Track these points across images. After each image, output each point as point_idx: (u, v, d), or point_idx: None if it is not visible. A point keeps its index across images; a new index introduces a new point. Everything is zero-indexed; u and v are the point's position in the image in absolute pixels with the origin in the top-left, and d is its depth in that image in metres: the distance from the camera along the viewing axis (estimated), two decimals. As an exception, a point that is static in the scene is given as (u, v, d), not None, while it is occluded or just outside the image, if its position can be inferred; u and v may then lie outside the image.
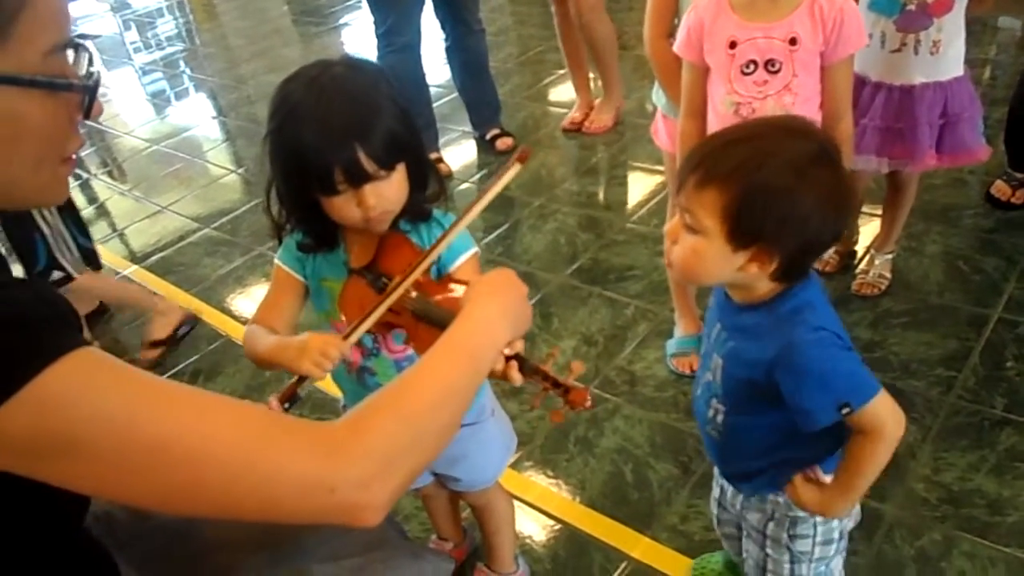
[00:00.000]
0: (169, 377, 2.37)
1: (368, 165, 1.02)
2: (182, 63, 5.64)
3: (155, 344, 2.53)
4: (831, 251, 2.34)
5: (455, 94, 3.52)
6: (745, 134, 0.99)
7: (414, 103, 3.08)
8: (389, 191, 1.06)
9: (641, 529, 1.75)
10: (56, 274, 2.29)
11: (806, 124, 1.01)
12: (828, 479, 1.10)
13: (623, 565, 1.68)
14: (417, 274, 1.00)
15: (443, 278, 1.11)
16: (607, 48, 3.24)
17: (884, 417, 0.98)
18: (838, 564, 1.25)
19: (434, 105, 3.30)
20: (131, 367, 0.63)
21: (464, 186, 3.22)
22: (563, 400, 0.96)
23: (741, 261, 0.96)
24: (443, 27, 3.15)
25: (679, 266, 1.02)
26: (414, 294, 1.03)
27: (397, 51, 2.91)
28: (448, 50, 3.21)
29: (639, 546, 1.71)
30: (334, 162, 1.01)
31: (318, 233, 1.16)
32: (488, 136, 3.37)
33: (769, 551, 1.22)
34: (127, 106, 4.92)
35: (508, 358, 0.93)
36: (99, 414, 0.58)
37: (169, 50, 5.95)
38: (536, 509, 1.83)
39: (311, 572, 0.94)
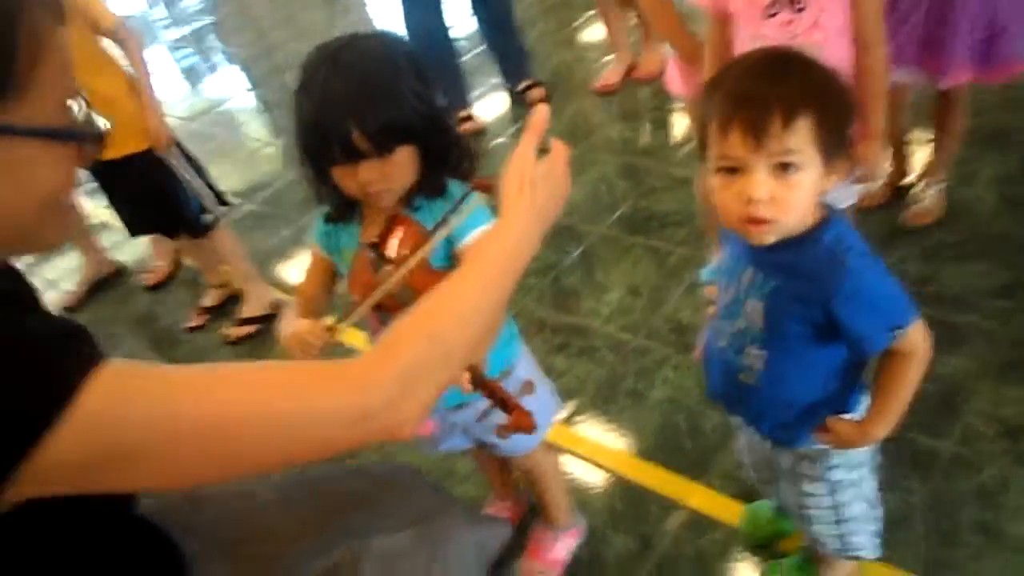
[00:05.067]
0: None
1: (361, 144, 1.05)
2: (211, 36, 5.66)
3: (246, 321, 2.55)
4: (880, 183, 2.26)
5: (483, 47, 3.48)
6: (768, 59, 1.00)
7: (439, 62, 3.07)
8: (389, 170, 1.09)
9: (696, 477, 1.78)
10: (207, 217, 2.39)
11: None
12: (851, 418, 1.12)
13: (679, 514, 1.71)
14: (405, 269, 0.98)
15: (441, 270, 1.11)
16: None
17: (919, 338, 1.02)
18: (872, 482, 1.27)
19: (464, 59, 3.27)
20: (152, 365, 0.66)
21: (498, 140, 3.20)
22: (507, 418, 0.98)
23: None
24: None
25: (792, 213, 0.97)
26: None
27: (423, 11, 2.88)
28: (473, 4, 3.16)
29: (695, 494, 1.74)
30: (330, 136, 1.06)
31: (336, 203, 1.20)
32: (520, 88, 3.33)
33: (807, 487, 1.24)
34: (161, 85, 4.97)
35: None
36: (142, 419, 0.61)
37: (196, 24, 5.96)
38: (590, 462, 1.87)
39: (370, 547, 0.98)
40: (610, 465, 1.86)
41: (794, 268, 1.02)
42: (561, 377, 2.09)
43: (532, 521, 1.72)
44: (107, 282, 2.99)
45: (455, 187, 1.18)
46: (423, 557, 1.03)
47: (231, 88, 4.67)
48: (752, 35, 1.45)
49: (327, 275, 1.29)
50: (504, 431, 0.97)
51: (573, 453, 1.89)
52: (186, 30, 5.91)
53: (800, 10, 1.40)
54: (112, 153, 2.19)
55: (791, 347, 1.07)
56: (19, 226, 0.66)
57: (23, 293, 0.79)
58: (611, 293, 2.33)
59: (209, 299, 2.66)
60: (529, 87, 3.31)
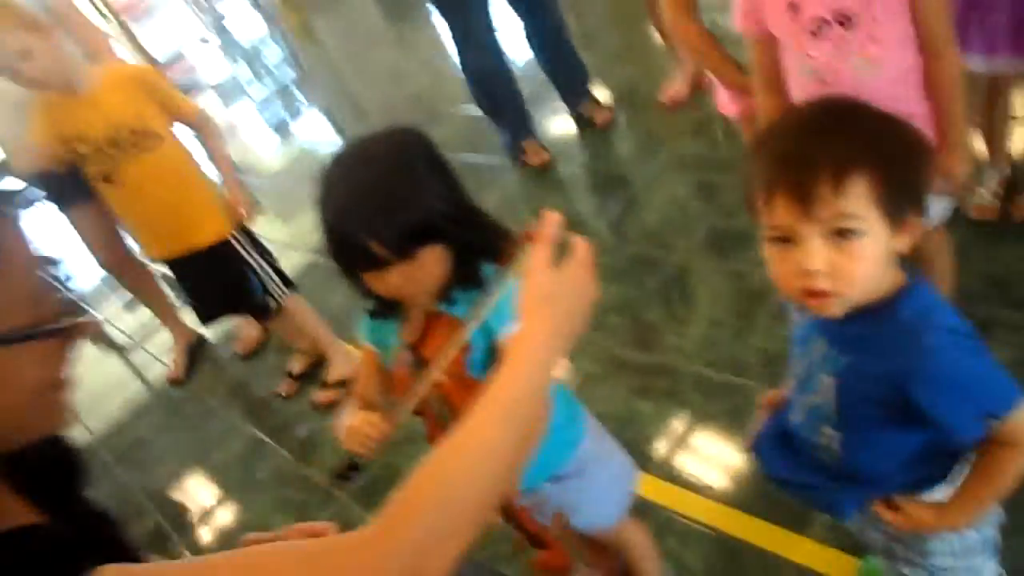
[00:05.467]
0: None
1: (382, 252, 1.01)
2: (294, 90, 5.89)
3: (332, 385, 2.58)
4: (989, 194, 2.02)
5: (542, 74, 3.42)
6: (817, 111, 0.90)
7: (500, 100, 3.03)
8: (416, 273, 1.04)
9: (799, 528, 1.63)
10: (271, 303, 2.47)
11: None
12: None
13: (784, 570, 1.58)
14: (437, 370, 0.93)
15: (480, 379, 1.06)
16: None
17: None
18: (992, 567, 1.11)
19: (526, 91, 3.22)
20: (153, 565, 0.63)
21: (568, 170, 3.13)
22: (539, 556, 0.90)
23: (903, 239, 0.86)
24: (516, 13, 3.05)
25: (857, 284, 0.85)
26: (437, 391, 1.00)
27: (476, 52, 2.86)
28: (526, 31, 3.11)
29: (799, 548, 1.60)
30: (349, 249, 1.03)
31: (376, 301, 1.16)
32: (584, 112, 3.24)
33: (906, 572, 1.10)
34: (252, 141, 5.22)
35: None
36: None
37: (279, 79, 6.22)
38: (682, 516, 1.76)
39: None
40: (703, 518, 1.74)
41: (868, 344, 0.90)
42: (645, 422, 1.99)
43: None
44: (203, 353, 3.12)
45: (489, 270, 1.13)
46: None
47: (317, 138, 4.82)
48: (799, 59, 1.32)
49: (382, 373, 1.26)
50: (537, 569, 0.90)
51: (663, 508, 1.79)
52: (271, 87, 6.17)
53: (849, 25, 1.25)
54: (190, 246, 2.28)
55: (869, 430, 0.95)
56: (11, 420, 0.65)
57: (57, 476, 0.78)
58: (694, 326, 2.20)
59: (297, 365, 2.72)
60: (593, 110, 3.22)
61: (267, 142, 5.07)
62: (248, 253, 2.35)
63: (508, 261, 0.86)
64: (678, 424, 1.97)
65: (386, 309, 1.18)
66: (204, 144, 2.31)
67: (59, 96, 2.08)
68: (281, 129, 5.27)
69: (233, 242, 2.31)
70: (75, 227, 2.81)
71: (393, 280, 1.05)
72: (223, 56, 7.28)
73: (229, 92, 6.34)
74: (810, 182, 0.80)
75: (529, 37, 3.11)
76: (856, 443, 0.97)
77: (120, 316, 3.87)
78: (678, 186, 2.75)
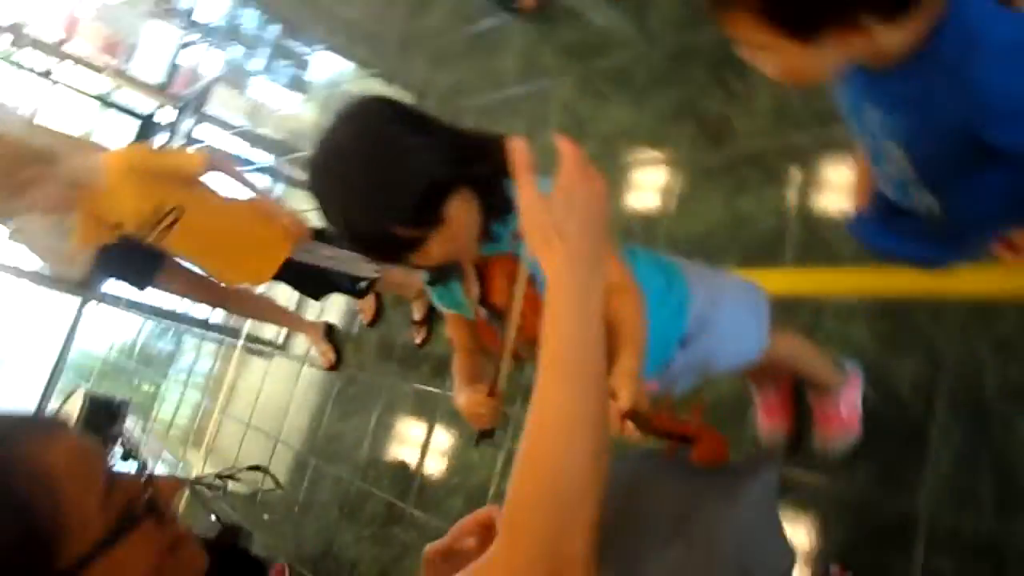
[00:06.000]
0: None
1: (410, 234, 0.96)
2: (287, 43, 5.73)
3: (419, 323, 2.76)
4: None
5: None
6: None
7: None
8: (454, 232, 0.99)
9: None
10: (361, 284, 2.56)
11: None
12: None
13: (954, 311, 1.48)
14: (514, 322, 0.90)
15: None
16: None
17: None
18: None
19: None
20: None
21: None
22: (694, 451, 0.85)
23: (831, 50, 0.75)
24: None
25: (822, 77, 0.82)
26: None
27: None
28: None
29: (956, 281, 1.49)
30: (378, 245, 1.00)
31: (428, 272, 1.13)
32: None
33: None
34: (280, 108, 5.19)
35: (622, 416, 0.85)
36: None
37: (268, 38, 6.06)
38: (828, 298, 1.68)
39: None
40: (849, 290, 1.66)
41: (919, 98, 0.78)
42: (754, 218, 1.89)
43: (805, 395, 1.60)
44: (338, 336, 3.28)
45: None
46: (702, 558, 1.00)
47: (333, 72, 4.70)
48: None
49: (468, 327, 1.26)
50: (698, 462, 0.88)
51: (803, 298, 1.71)
52: (266, 50, 6.02)
53: None
54: (259, 278, 2.35)
55: (959, 183, 0.84)
56: None
57: None
58: (760, 99, 2.01)
59: (416, 312, 2.79)
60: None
61: (292, 101, 5.00)
62: (316, 259, 2.39)
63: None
64: (786, 205, 1.84)
65: (441, 275, 1.15)
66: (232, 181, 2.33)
67: (88, 197, 2.14)
68: (297, 83, 5.16)
69: (296, 258, 2.36)
70: (166, 291, 2.96)
71: (436, 250, 1.00)
72: (211, 47, 7.17)
73: (236, 76, 6.27)
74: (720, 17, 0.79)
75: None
76: (953, 199, 0.86)
77: (260, 328, 4.10)
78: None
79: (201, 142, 5.72)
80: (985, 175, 0.81)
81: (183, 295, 3.02)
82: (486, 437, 1.10)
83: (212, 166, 2.26)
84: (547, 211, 0.70)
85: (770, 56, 0.80)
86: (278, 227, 2.32)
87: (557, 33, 2.78)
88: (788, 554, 1.01)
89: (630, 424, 0.88)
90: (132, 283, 2.85)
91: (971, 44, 0.72)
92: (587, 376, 0.70)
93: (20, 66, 5.83)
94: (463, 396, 1.10)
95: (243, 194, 2.37)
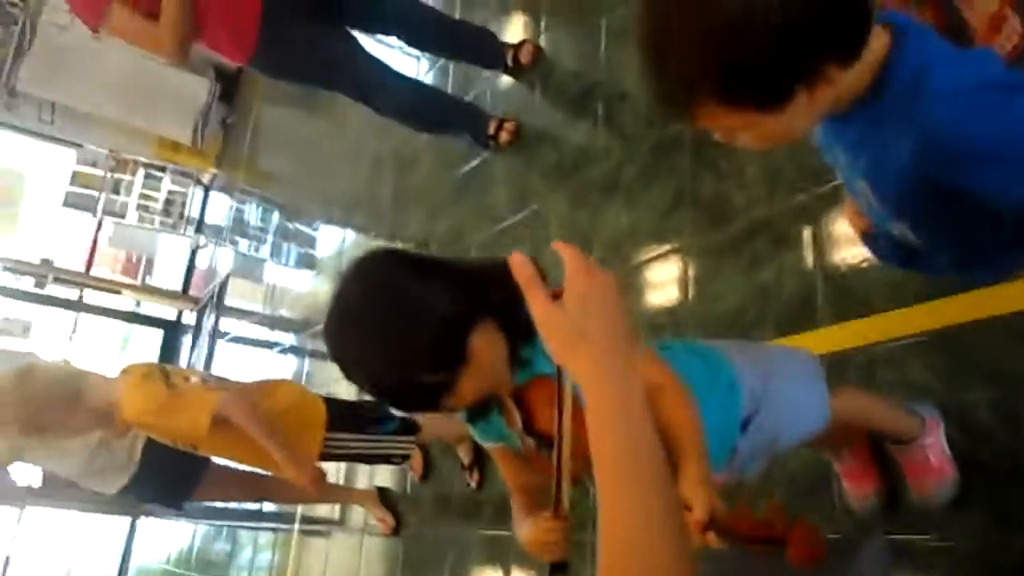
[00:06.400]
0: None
1: (439, 379, 0.95)
2: (283, 221, 5.97)
3: (469, 468, 2.70)
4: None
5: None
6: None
7: (434, 110, 2.93)
8: (482, 366, 0.97)
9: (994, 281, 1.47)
10: (398, 456, 2.53)
11: None
12: None
13: (998, 323, 1.43)
14: (566, 445, 0.86)
15: None
16: None
17: None
18: None
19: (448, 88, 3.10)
20: None
21: (540, 120, 2.97)
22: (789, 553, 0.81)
23: (803, 107, 0.75)
24: (390, 35, 2.93)
25: (791, 138, 0.82)
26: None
27: (380, 92, 2.74)
28: (414, 45, 2.99)
29: (1005, 296, 1.44)
30: (410, 399, 1.01)
31: (466, 412, 1.10)
32: (511, 63, 3.05)
33: None
34: (296, 290, 5.32)
35: (702, 528, 0.81)
36: None
37: (267, 225, 6.31)
38: (877, 346, 1.63)
39: None
40: (897, 333, 1.60)
41: (873, 138, 0.79)
42: (775, 284, 1.86)
43: (888, 452, 1.52)
44: (391, 498, 3.20)
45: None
46: None
47: (332, 243, 4.85)
48: None
49: (517, 459, 1.21)
50: (797, 566, 0.82)
51: (852, 350, 1.66)
52: (264, 231, 6.25)
53: None
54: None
55: (931, 218, 0.83)
56: None
57: None
58: (749, 168, 2.04)
59: (464, 456, 2.74)
60: (514, 54, 3.01)
61: (303, 279, 5.12)
62: (348, 450, 2.38)
63: None
64: (805, 265, 1.82)
65: (480, 411, 1.12)
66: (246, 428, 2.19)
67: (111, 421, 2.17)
68: (306, 261, 5.31)
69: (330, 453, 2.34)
70: (208, 501, 2.92)
71: (468, 388, 0.98)
72: (221, 246, 7.47)
73: (248, 267, 6.48)
74: (682, 117, 0.80)
75: (416, 44, 3.00)
76: (924, 226, 0.85)
77: (312, 508, 4.01)
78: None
79: (226, 335, 5.86)
80: (963, 214, 0.80)
81: (227, 500, 2.98)
82: (560, 571, 1.03)
83: (222, 415, 2.14)
84: (564, 317, 0.69)
85: (746, 133, 0.81)
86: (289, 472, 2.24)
87: (538, 158, 2.88)
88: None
89: (712, 535, 0.83)
90: (167, 505, 2.82)
91: (920, 81, 0.73)
92: (648, 474, 0.66)
93: (50, 301, 6.11)
94: (525, 528, 1.05)
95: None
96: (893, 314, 1.62)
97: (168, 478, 2.59)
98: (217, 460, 2.72)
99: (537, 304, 0.70)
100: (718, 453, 1.17)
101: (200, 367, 5.68)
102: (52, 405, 2.01)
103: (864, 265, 1.70)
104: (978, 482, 1.42)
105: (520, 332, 1.03)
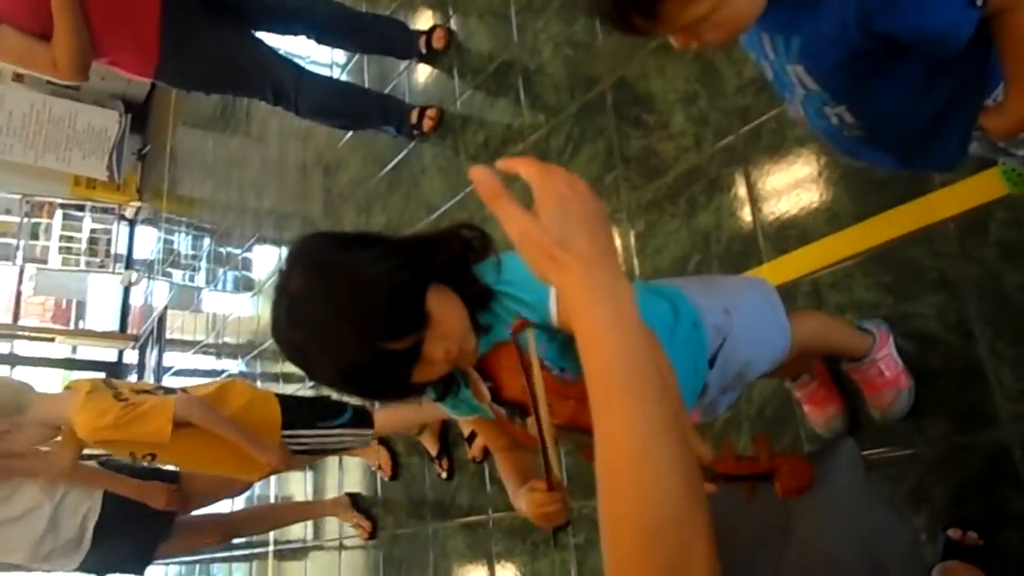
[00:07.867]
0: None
1: (403, 345, 0.90)
2: (214, 247, 5.81)
3: (437, 458, 2.68)
4: None
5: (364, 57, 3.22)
6: None
7: (353, 106, 2.88)
8: (445, 328, 0.93)
9: (925, 191, 1.50)
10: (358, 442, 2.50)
11: None
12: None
13: (945, 229, 1.46)
14: (543, 412, 0.84)
15: (573, 381, 0.96)
16: None
17: None
18: None
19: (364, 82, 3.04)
20: None
21: (462, 104, 2.94)
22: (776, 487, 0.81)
23: None
24: (295, 32, 2.85)
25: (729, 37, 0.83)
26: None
27: (297, 94, 2.67)
28: (321, 41, 2.92)
29: (940, 205, 1.48)
30: (373, 377, 0.93)
31: (432, 387, 1.06)
32: (424, 50, 3.01)
33: None
34: (236, 313, 5.17)
35: None
36: None
37: (198, 251, 6.14)
38: (824, 271, 1.65)
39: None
40: (841, 255, 1.63)
41: (801, 15, 0.81)
42: (719, 227, 1.88)
43: (844, 373, 1.54)
44: (364, 502, 3.14)
45: (485, 269, 1.02)
46: (821, 560, 0.91)
47: (266, 262, 4.74)
48: None
49: (495, 426, 1.18)
50: (786, 496, 0.82)
51: (801, 278, 1.68)
52: (197, 261, 6.08)
53: None
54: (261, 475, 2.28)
55: (864, 88, 0.84)
56: None
57: None
58: (674, 119, 2.05)
59: (430, 447, 2.70)
60: (426, 39, 2.98)
61: (242, 302, 4.99)
62: (309, 445, 2.33)
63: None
64: (742, 205, 1.84)
65: (447, 387, 1.09)
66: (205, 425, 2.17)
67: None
68: (243, 284, 5.19)
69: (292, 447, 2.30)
70: (172, 556, 2.84)
71: (436, 353, 0.93)
72: (154, 280, 7.24)
73: (184, 297, 6.30)
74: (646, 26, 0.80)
75: (325, 41, 2.94)
76: (864, 105, 0.87)
77: (285, 530, 3.92)
78: (556, 24, 2.54)
79: (171, 368, 5.67)
80: (894, 76, 0.82)
81: (194, 551, 2.88)
82: (561, 529, 1.03)
83: (179, 421, 2.09)
84: (541, 230, 0.63)
85: (707, 24, 0.80)
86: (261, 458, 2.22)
87: (465, 140, 2.85)
88: (905, 527, 0.93)
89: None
90: (130, 571, 2.71)
91: None
92: (648, 386, 0.61)
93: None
94: (523, 500, 1.03)
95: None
96: (831, 239, 1.65)
97: (124, 549, 2.48)
98: (180, 517, 2.63)
99: (511, 218, 0.64)
100: (689, 393, 1.16)
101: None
102: None
103: (798, 196, 1.72)
104: (933, 390, 1.45)
105: (473, 298, 1.00)
